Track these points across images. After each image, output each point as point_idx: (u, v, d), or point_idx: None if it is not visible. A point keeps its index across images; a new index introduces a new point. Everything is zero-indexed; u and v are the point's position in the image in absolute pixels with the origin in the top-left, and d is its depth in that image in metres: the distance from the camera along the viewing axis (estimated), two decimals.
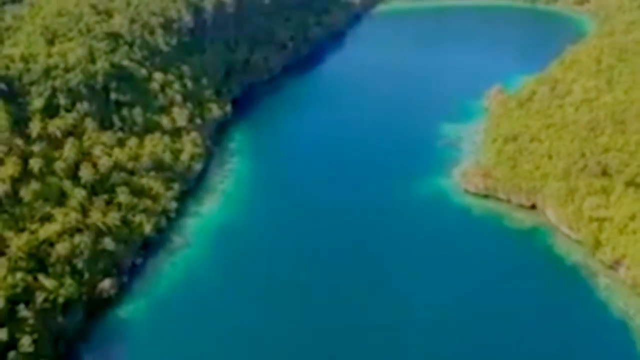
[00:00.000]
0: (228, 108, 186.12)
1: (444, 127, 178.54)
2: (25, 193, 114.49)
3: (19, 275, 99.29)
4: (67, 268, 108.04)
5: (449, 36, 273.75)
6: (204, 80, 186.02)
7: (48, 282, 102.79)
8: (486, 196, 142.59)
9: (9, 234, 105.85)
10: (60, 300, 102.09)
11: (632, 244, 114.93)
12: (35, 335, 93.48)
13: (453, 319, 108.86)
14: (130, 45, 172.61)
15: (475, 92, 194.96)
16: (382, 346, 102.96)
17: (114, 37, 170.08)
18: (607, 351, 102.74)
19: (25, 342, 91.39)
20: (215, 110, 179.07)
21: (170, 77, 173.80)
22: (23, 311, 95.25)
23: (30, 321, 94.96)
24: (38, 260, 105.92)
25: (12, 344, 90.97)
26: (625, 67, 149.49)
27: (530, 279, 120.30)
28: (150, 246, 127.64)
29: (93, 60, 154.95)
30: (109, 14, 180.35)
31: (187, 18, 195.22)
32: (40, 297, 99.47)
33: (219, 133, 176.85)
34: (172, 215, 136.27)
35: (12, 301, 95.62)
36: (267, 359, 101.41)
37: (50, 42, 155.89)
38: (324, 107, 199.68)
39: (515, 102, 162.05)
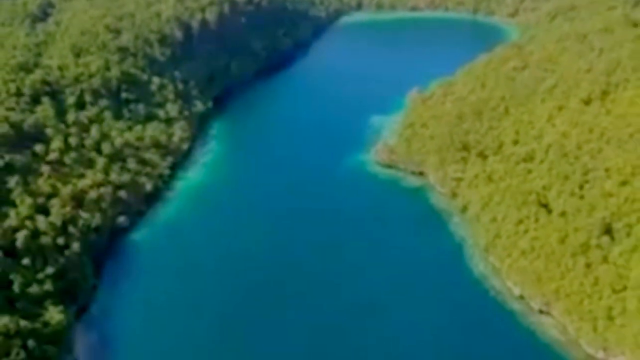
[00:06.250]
0: (209, 104, 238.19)
1: (375, 118, 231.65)
2: (68, 159, 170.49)
3: (67, 209, 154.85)
4: (96, 207, 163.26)
5: (397, 45, 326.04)
6: (192, 83, 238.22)
7: (85, 215, 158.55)
8: (390, 166, 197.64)
9: (59, 184, 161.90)
10: (93, 226, 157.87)
11: (473, 194, 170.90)
12: (80, 243, 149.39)
13: (351, 245, 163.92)
14: (135, 56, 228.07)
15: (404, 92, 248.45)
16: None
17: (123, 50, 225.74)
18: (448, 262, 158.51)
19: (75, 246, 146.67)
20: (199, 106, 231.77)
21: (165, 80, 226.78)
22: (71, 229, 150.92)
23: (76, 235, 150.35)
24: (78, 201, 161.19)
25: (66, 246, 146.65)
26: (495, 74, 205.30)
27: (411, 219, 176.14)
28: (150, 198, 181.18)
29: (108, 69, 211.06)
30: (118, 32, 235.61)
31: (178, 34, 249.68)
32: (80, 222, 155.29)
33: (201, 122, 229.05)
34: (166, 178, 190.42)
35: (64, 223, 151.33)
36: (230, 266, 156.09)
37: (77, 56, 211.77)
38: (286, 103, 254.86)
39: (421, 99, 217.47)
